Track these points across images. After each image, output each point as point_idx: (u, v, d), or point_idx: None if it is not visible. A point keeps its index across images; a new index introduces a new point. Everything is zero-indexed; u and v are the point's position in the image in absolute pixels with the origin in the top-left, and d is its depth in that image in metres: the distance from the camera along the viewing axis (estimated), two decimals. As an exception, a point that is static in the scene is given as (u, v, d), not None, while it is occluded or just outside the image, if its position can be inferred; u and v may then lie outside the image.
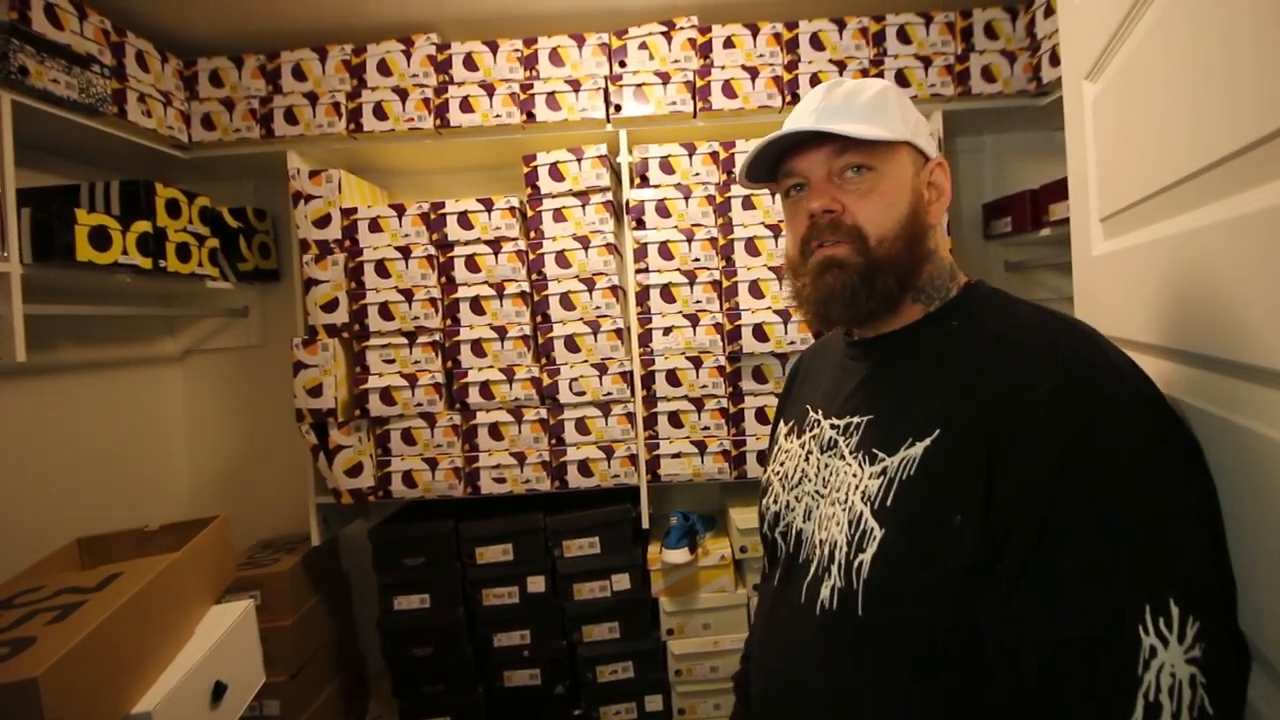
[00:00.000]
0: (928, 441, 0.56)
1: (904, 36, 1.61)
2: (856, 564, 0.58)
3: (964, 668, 0.53)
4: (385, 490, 1.69)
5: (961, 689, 0.53)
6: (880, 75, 1.60)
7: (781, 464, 0.77)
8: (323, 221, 1.67)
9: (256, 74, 1.67)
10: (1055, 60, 1.51)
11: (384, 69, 1.67)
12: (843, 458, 0.65)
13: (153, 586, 0.96)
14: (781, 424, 0.83)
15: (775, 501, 0.75)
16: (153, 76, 1.55)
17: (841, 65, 1.59)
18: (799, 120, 0.65)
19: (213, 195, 1.71)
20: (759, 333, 1.60)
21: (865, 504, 0.59)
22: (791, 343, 1.60)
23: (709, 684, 1.68)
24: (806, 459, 0.71)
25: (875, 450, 0.61)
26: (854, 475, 0.62)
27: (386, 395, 1.67)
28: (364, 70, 1.67)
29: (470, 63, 1.66)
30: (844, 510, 0.61)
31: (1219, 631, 0.45)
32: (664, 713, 1.70)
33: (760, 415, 1.64)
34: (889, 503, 0.57)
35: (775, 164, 0.69)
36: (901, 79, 1.61)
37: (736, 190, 1.62)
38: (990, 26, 1.60)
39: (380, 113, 1.66)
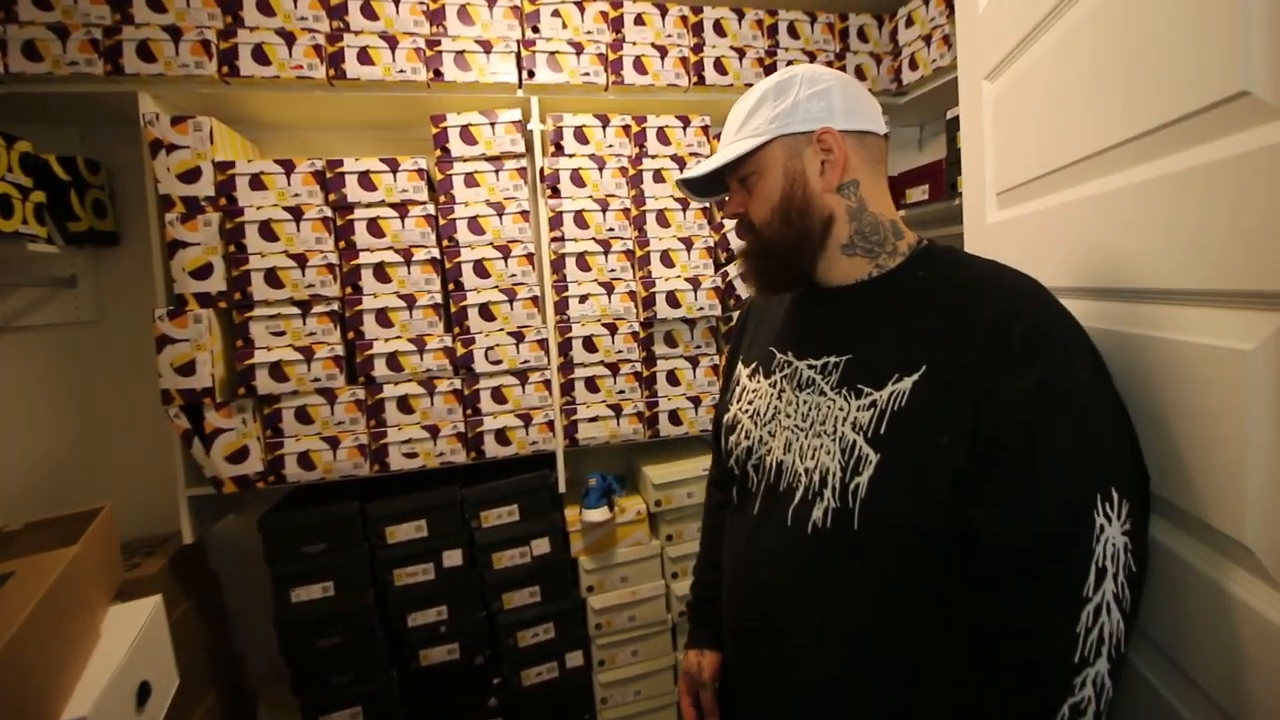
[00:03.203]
0: (916, 376, 0.64)
1: (793, 32, 1.78)
2: (853, 486, 0.65)
3: (949, 563, 0.64)
4: (277, 474, 1.55)
5: (948, 582, 0.64)
6: (774, 65, 1.77)
7: (750, 403, 0.82)
8: (190, 175, 1.47)
9: (98, -2, 1.42)
10: (914, 65, 1.77)
11: (265, 8, 1.49)
12: (823, 394, 0.72)
13: (61, 583, 0.83)
14: (741, 366, 0.89)
15: (746, 437, 0.81)
16: (-46, -15, 1.26)
17: (741, 52, 1.72)
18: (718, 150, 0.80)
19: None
20: (671, 299, 1.70)
21: (858, 433, 0.66)
22: (701, 309, 1.72)
23: (627, 633, 1.77)
24: (779, 397, 0.78)
25: (861, 386, 0.68)
26: (840, 409, 0.69)
27: (277, 370, 1.52)
28: (240, 7, 1.48)
29: (369, 10, 1.55)
30: (833, 440, 0.69)
31: (1137, 507, 0.59)
32: (584, 667, 1.76)
33: (671, 378, 1.75)
34: (882, 431, 0.65)
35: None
36: (788, 70, 1.79)
37: (648, 164, 1.70)
38: (862, 30, 1.83)
39: (261, 56, 1.49)
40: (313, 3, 1.52)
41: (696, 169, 0.80)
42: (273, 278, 1.51)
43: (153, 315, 1.44)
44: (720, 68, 1.72)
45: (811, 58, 1.78)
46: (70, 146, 1.64)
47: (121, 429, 1.73)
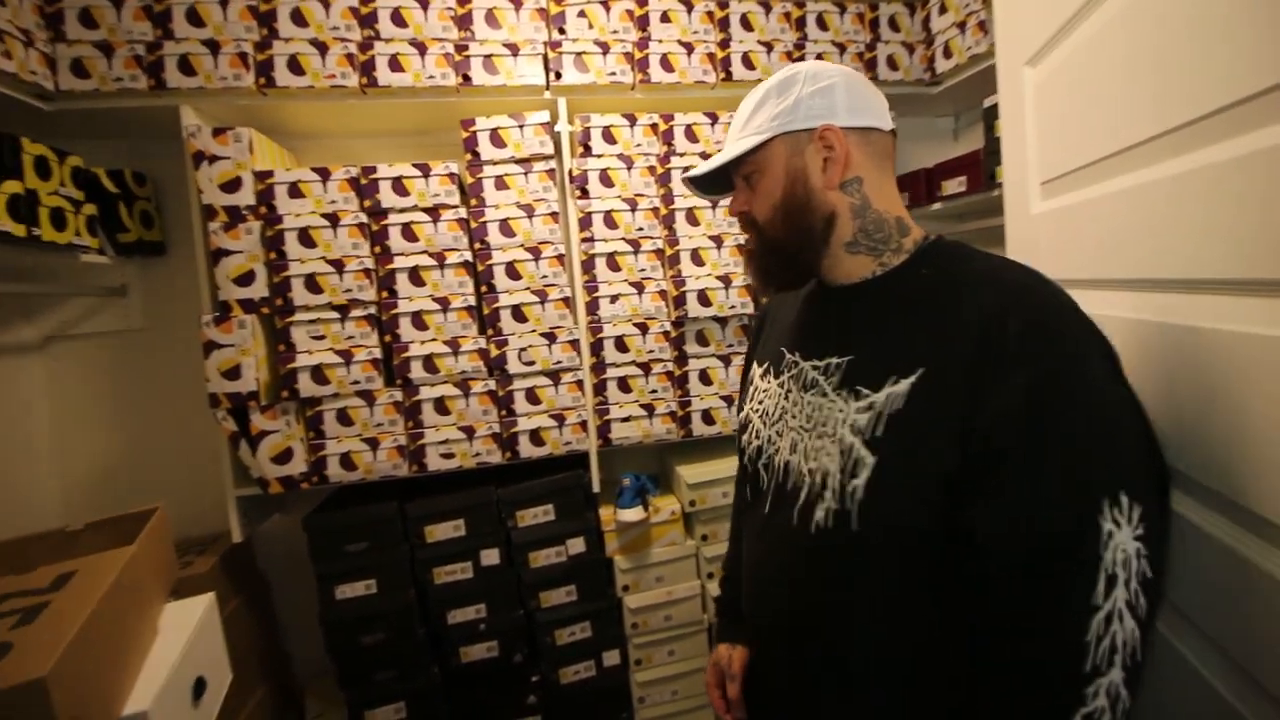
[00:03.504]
0: (913, 378, 0.63)
1: (822, 23, 1.76)
2: (850, 488, 0.65)
3: (946, 565, 0.62)
4: (320, 475, 1.59)
5: (944, 583, 0.63)
6: (802, 58, 1.74)
7: (760, 403, 0.83)
8: (232, 185, 1.51)
9: (140, 15, 1.46)
10: (948, 53, 1.73)
11: (299, 19, 1.53)
12: (825, 395, 0.71)
13: (121, 581, 0.87)
14: (755, 366, 0.89)
15: (757, 437, 0.82)
16: (9, 10, 1.31)
17: (769, 46, 1.70)
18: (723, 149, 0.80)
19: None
20: (702, 298, 1.69)
21: (855, 435, 0.66)
22: (732, 307, 1.71)
23: (664, 632, 1.77)
24: (786, 397, 0.78)
25: (859, 387, 0.68)
26: (840, 411, 0.69)
27: (318, 374, 1.56)
28: (275, 19, 1.52)
29: (399, 18, 1.57)
30: (833, 442, 0.68)
31: (1153, 511, 0.57)
32: (621, 665, 1.77)
33: (704, 377, 1.75)
34: (879, 433, 0.64)
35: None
36: (818, 63, 1.76)
37: (677, 162, 1.69)
38: (894, 20, 1.79)
39: (296, 67, 1.52)
40: (344, 12, 1.55)
41: (700, 167, 0.80)
42: (312, 283, 1.55)
43: (199, 322, 1.49)
44: (748, 63, 1.70)
45: (841, 49, 1.75)
46: (118, 160, 1.69)
47: (172, 432, 1.79)
